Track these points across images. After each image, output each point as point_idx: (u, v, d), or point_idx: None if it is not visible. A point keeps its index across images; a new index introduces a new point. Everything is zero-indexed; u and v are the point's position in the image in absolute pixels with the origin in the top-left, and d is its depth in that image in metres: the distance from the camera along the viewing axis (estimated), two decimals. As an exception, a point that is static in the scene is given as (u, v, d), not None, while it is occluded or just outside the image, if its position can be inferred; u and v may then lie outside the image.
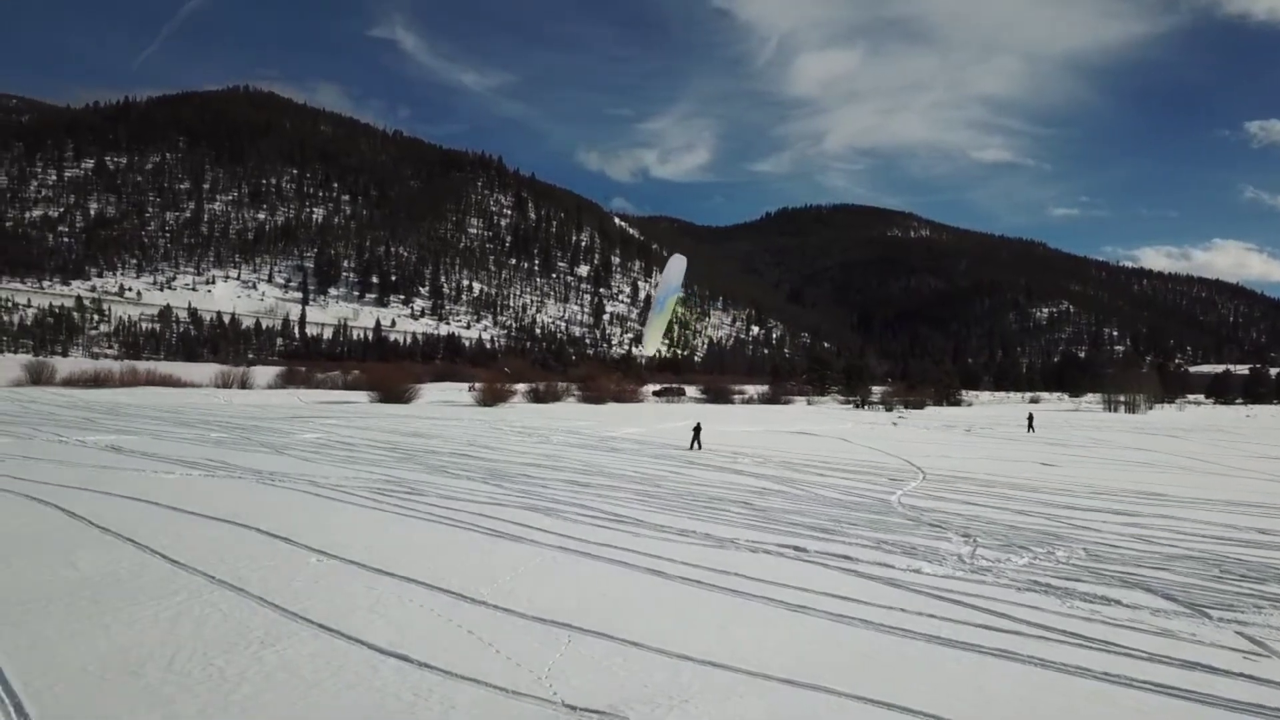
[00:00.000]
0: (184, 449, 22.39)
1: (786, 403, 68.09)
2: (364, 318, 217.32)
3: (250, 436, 26.40)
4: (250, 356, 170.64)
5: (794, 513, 14.71)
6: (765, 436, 33.86)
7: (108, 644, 7.16)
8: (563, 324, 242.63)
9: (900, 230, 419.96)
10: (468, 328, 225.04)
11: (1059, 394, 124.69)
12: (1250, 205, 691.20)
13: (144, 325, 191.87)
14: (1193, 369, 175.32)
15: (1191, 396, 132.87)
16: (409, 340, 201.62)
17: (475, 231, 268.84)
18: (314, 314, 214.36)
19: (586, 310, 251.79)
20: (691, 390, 76.53)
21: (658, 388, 77.25)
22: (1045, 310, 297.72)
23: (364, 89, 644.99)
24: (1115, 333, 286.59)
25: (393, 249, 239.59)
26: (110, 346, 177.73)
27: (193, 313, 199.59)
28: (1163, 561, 11.34)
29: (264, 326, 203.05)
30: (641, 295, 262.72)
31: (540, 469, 20.48)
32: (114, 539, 10.99)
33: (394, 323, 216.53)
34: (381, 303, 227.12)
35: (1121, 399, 73.67)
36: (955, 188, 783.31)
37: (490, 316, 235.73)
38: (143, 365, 67.28)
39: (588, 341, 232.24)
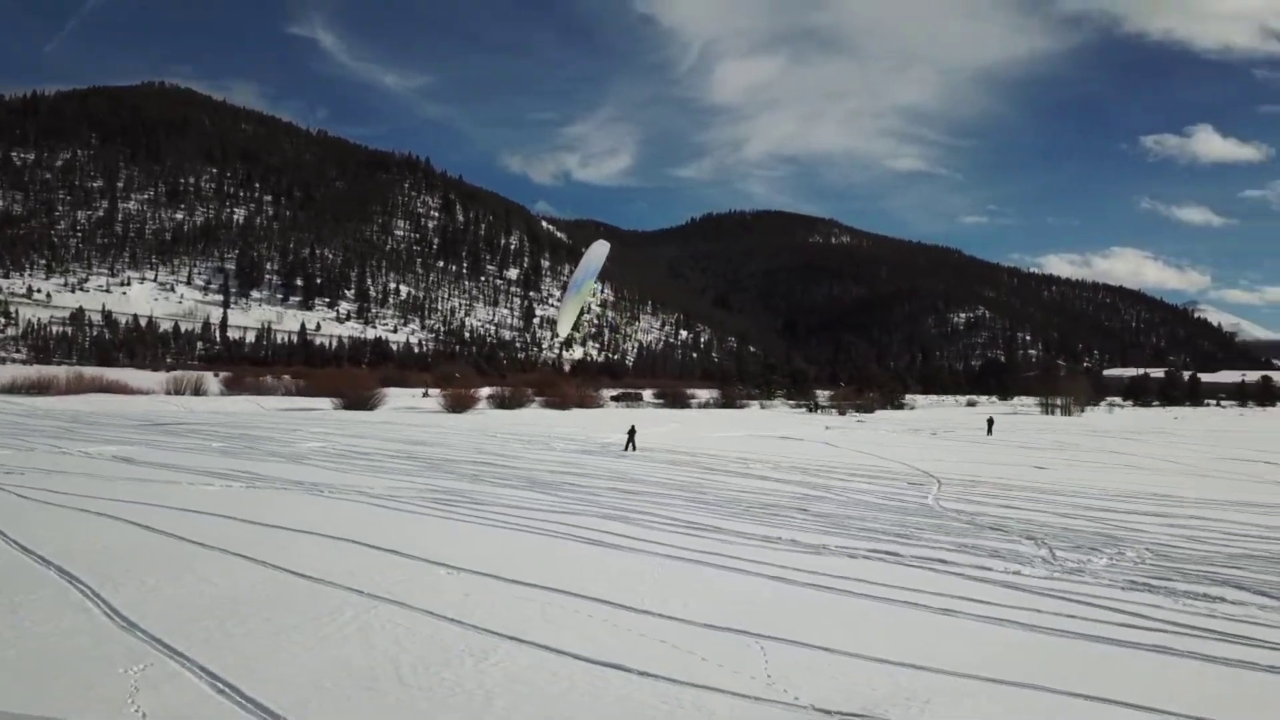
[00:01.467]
0: (194, 459, 21.81)
1: (741, 407, 69.05)
2: (288, 321, 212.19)
3: (254, 446, 25.80)
4: (169, 361, 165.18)
5: (855, 518, 15.14)
6: (754, 442, 34.37)
7: (320, 659, 7.12)
8: (492, 328, 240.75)
9: (822, 237, 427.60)
10: (395, 331, 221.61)
11: (989, 397, 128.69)
12: (1146, 215, 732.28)
13: (54, 329, 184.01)
14: (1106, 373, 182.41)
15: (1109, 399, 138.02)
16: (335, 344, 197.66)
17: (402, 234, 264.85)
18: (235, 317, 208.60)
19: (516, 314, 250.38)
20: (647, 395, 76.96)
21: (616, 393, 77.51)
22: (963, 316, 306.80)
23: (281, 88, 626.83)
24: (1028, 337, 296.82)
25: (318, 251, 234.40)
26: (18, 350, 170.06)
27: (107, 315, 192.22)
28: (1230, 560, 12.05)
29: (183, 330, 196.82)
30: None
31: (576, 475, 20.63)
32: (225, 554, 10.80)
33: (319, 326, 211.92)
34: (306, 306, 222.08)
35: (1059, 402, 76.81)
36: (872, 195, 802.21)
37: (418, 320, 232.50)
38: (89, 371, 64.69)
39: (518, 345, 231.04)
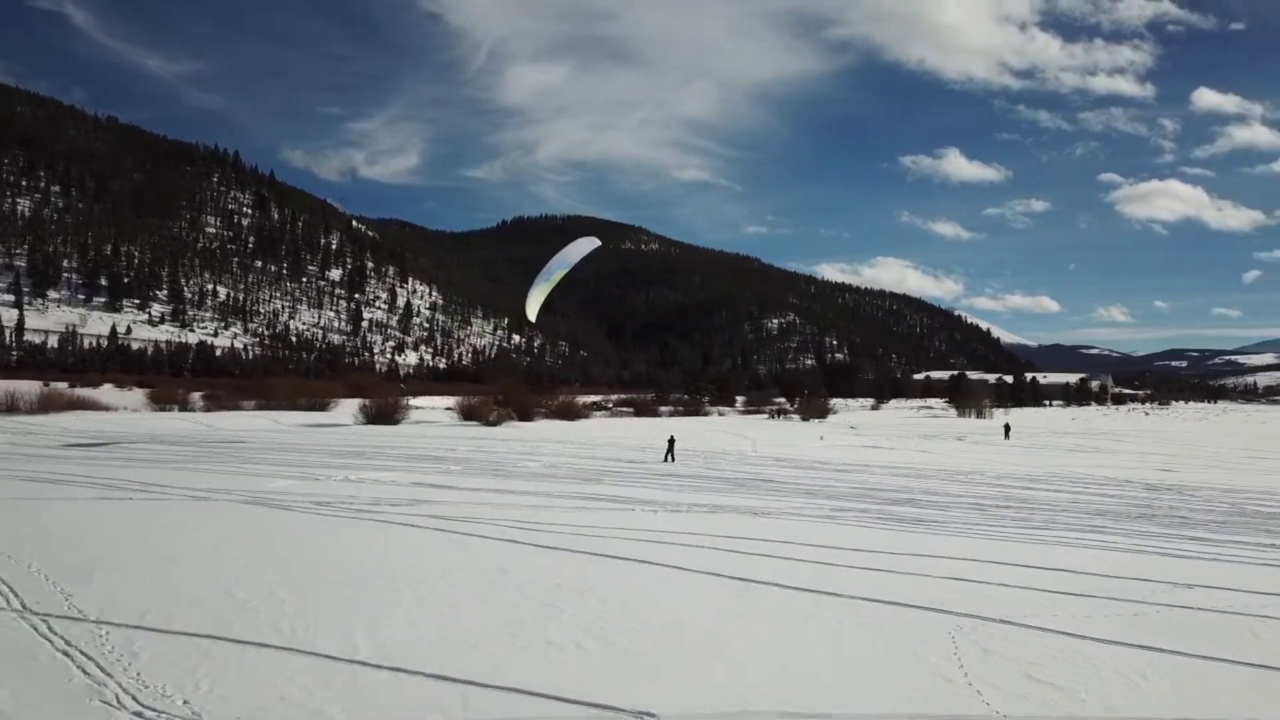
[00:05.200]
0: (496, 483, 23.32)
1: (705, 413, 72.41)
2: (94, 324, 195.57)
3: (500, 468, 27.33)
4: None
5: (1130, 515, 19.46)
6: (858, 452, 38.18)
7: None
8: (319, 331, 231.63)
9: (633, 243, 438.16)
10: (215, 335, 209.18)
11: (881, 402, 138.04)
12: (906, 228, 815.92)
13: None
14: (915, 376, 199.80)
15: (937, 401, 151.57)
16: (152, 349, 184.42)
17: (214, 231, 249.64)
18: (32, 319, 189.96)
19: (344, 317, 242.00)
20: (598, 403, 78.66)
21: (589, 401, 79.05)
22: (775, 321, 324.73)
23: (29, 65, 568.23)
24: (835, 342, 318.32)
25: (122, 248, 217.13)
26: None
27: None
28: None
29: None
30: (400, 302, 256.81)
31: (763, 481, 24.02)
32: (708, 577, 13.59)
33: (130, 329, 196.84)
34: (113, 307, 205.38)
35: (988, 404, 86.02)
36: (662, 203, 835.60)
37: (240, 323, 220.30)
38: (59, 386, 59.25)
39: (348, 350, 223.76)
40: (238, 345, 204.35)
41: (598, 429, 50.95)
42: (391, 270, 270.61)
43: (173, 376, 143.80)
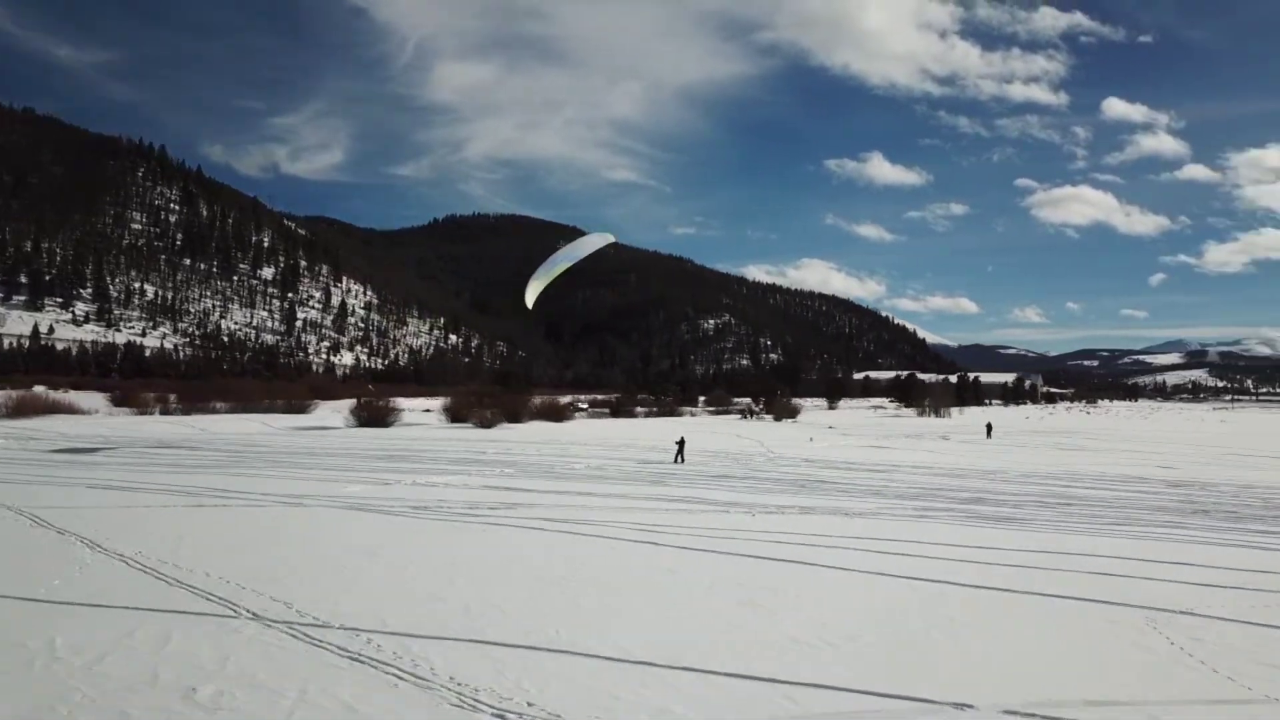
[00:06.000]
0: (533, 484, 23.48)
1: (680, 414, 72.84)
2: (14, 324, 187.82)
3: (552, 470, 27.42)
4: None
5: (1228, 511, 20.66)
6: (836, 450, 39.19)
7: None
8: (252, 331, 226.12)
9: (567, 243, 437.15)
10: (143, 335, 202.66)
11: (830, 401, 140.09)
12: (831, 230, 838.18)
13: None
14: (856, 376, 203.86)
15: (878, 400, 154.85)
16: (77, 349, 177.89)
17: (140, 227, 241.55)
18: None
19: (277, 317, 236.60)
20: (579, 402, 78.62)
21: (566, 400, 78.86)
22: (711, 322, 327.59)
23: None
24: (769, 342, 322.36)
25: (43, 244, 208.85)
26: None
27: None
28: None
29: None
30: (334, 301, 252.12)
31: (817, 482, 24.84)
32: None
33: (52, 329, 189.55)
34: (34, 306, 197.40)
35: (954, 403, 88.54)
36: (593, 203, 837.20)
37: (169, 323, 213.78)
38: (38, 389, 56.57)
39: (283, 350, 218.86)
40: (168, 345, 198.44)
41: (595, 430, 51.12)
42: (325, 269, 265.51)
43: (100, 377, 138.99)
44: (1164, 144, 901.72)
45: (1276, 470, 31.88)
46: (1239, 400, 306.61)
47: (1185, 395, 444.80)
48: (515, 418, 50.21)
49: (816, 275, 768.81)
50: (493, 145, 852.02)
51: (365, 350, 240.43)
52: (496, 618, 10.43)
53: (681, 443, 32.25)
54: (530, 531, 16.07)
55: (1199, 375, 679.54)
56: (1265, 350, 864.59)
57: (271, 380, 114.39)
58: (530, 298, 28.88)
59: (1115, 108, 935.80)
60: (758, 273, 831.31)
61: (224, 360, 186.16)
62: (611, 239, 31.97)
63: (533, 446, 37.12)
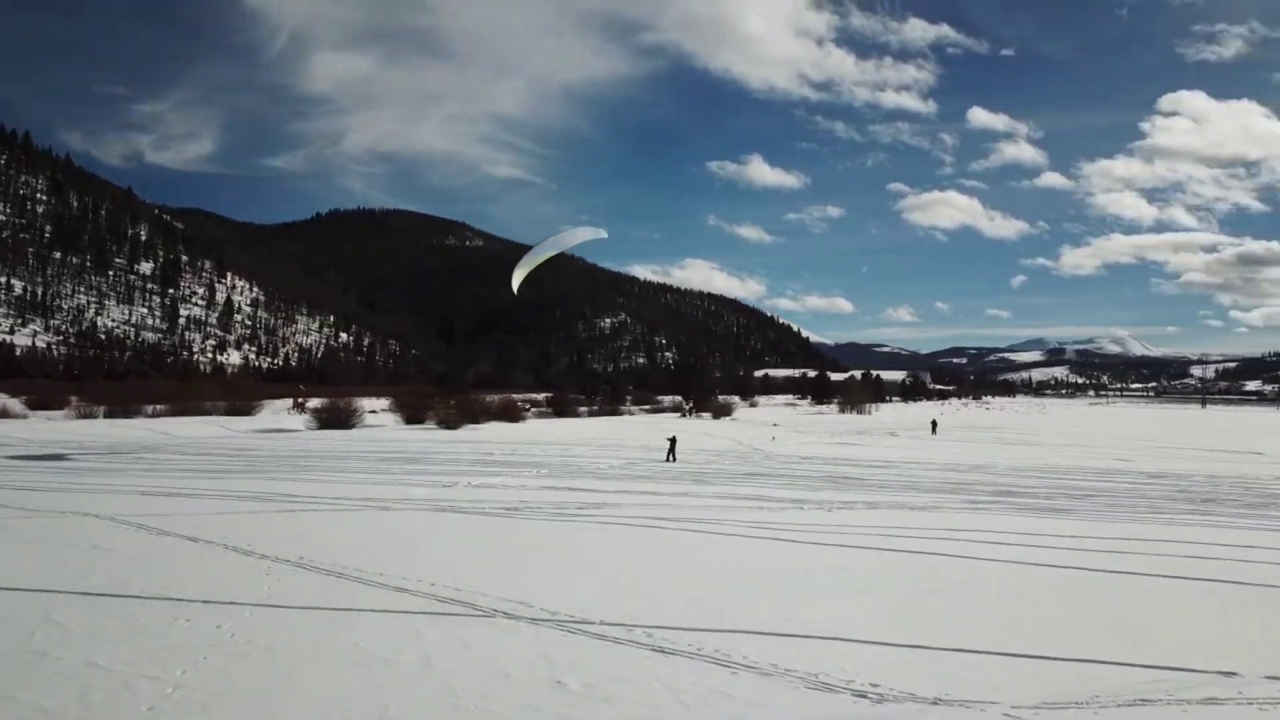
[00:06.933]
0: (579, 483, 23.89)
1: (621, 413, 73.02)
2: None
3: (563, 470, 27.46)
4: None
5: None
6: (830, 449, 40.39)
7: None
8: (131, 329, 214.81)
9: (457, 239, 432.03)
10: (12, 333, 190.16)
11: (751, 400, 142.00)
12: (713, 231, 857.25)
13: None
14: (756, 374, 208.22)
15: (781, 398, 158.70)
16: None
17: (3, 218, 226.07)
18: None
19: (158, 314, 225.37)
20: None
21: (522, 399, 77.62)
22: (607, 321, 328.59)
23: None
24: (664, 341, 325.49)
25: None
26: None
27: None
28: None
29: None
30: (219, 298, 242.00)
31: (844, 479, 26.09)
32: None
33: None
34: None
35: (892, 398, 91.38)
36: (477, 199, 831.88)
37: (40, 320, 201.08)
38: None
39: (165, 348, 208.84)
40: (39, 344, 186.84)
41: (564, 431, 51.04)
42: (207, 264, 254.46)
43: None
44: (1024, 152, 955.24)
45: (1225, 461, 34.87)
46: (1105, 394, 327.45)
47: (1049, 391, 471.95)
48: (474, 419, 49.86)
49: (700, 275, 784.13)
50: (372, 138, 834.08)
51: (254, 349, 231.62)
52: (744, 611, 10.80)
53: (673, 441, 32.89)
54: (661, 531, 16.37)
55: (1059, 372, 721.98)
56: (1115, 348, 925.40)
57: (160, 380, 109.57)
58: (516, 281, 29.24)
59: (979, 117, 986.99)
60: (644, 272, 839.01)
61: (104, 360, 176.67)
62: (603, 233, 32.35)
63: (522, 447, 37.15)
